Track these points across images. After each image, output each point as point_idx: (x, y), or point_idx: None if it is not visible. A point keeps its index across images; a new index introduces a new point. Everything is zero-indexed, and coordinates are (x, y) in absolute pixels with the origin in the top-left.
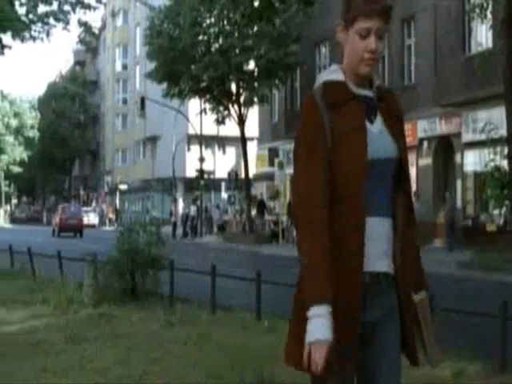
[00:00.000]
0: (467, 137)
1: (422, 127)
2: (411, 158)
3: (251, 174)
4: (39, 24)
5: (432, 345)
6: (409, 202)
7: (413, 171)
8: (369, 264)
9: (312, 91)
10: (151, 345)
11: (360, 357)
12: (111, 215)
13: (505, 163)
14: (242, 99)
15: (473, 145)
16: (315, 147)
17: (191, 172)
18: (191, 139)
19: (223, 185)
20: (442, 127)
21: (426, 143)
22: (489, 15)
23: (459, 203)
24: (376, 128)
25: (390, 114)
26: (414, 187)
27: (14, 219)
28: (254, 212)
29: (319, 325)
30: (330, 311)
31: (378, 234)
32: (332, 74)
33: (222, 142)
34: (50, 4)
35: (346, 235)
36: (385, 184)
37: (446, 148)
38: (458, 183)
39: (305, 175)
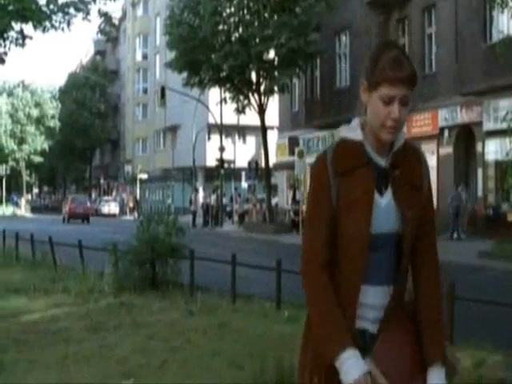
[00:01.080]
0: (488, 125)
1: (442, 116)
2: (432, 146)
3: (271, 164)
4: (60, 14)
5: None
6: (411, 270)
7: (433, 160)
8: (358, 322)
9: (325, 150)
10: (171, 333)
11: None
12: (131, 204)
13: None
14: (262, 88)
15: (494, 134)
16: (319, 210)
17: (211, 161)
18: (211, 128)
19: (243, 174)
20: (462, 116)
21: (446, 132)
22: (510, 3)
23: (480, 193)
24: (385, 200)
25: (404, 183)
26: (435, 176)
27: (34, 208)
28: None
29: (351, 365)
30: (356, 351)
31: (372, 302)
32: (351, 131)
33: (242, 131)
34: None
35: (341, 297)
36: (387, 256)
37: (466, 137)
38: (479, 172)
39: (307, 237)
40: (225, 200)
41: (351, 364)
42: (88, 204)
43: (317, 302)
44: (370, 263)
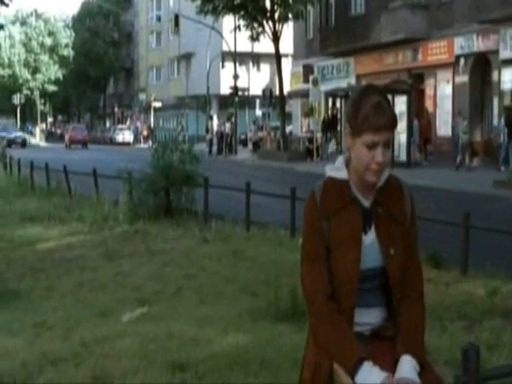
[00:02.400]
0: (505, 54)
1: (458, 44)
2: (447, 75)
3: (285, 91)
4: None
5: None
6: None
7: (449, 89)
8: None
9: (313, 188)
10: (186, 261)
11: None
12: (146, 133)
13: None
14: (276, 15)
15: (510, 62)
16: (316, 247)
17: (225, 89)
18: (225, 56)
19: (257, 102)
20: (479, 44)
21: (462, 60)
22: None
23: (495, 121)
24: (368, 239)
25: (387, 219)
26: (450, 104)
27: (48, 137)
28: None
29: (371, 376)
30: (371, 363)
31: (366, 321)
32: (336, 170)
33: (256, 58)
34: None
35: None
36: (376, 284)
37: (482, 65)
38: (495, 101)
39: (308, 273)
40: (240, 129)
41: (371, 375)
42: (86, 132)
43: (328, 323)
44: (360, 292)
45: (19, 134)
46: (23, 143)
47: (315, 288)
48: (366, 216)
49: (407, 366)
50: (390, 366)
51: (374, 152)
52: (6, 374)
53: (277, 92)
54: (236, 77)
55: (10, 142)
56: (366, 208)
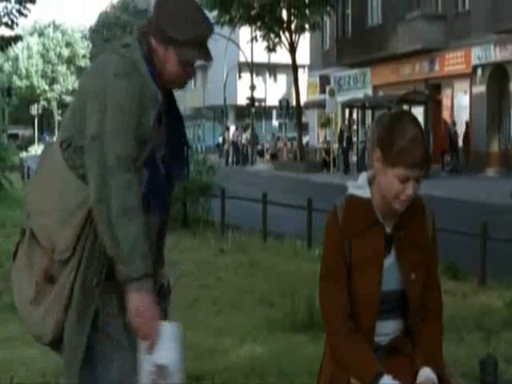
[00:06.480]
0: None
1: (476, 54)
2: (465, 85)
3: (302, 102)
4: None
5: None
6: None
7: (466, 99)
8: None
9: (335, 205)
10: (202, 271)
11: None
12: None
13: None
14: (293, 26)
15: None
16: (336, 267)
17: (242, 100)
18: (242, 67)
19: (274, 113)
20: (496, 54)
21: (479, 70)
22: None
23: None
24: (388, 262)
25: (408, 243)
26: (467, 116)
27: None
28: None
29: None
30: (390, 377)
31: (383, 331)
32: (359, 189)
33: (272, 69)
34: None
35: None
36: (393, 309)
37: (500, 75)
38: None
39: (327, 291)
40: (259, 139)
41: None
42: None
43: (346, 341)
44: (378, 313)
45: None
46: None
47: (334, 307)
48: (388, 239)
49: (427, 372)
50: (409, 382)
51: (406, 185)
52: (27, 382)
53: (293, 103)
54: (253, 87)
55: None
56: (388, 232)
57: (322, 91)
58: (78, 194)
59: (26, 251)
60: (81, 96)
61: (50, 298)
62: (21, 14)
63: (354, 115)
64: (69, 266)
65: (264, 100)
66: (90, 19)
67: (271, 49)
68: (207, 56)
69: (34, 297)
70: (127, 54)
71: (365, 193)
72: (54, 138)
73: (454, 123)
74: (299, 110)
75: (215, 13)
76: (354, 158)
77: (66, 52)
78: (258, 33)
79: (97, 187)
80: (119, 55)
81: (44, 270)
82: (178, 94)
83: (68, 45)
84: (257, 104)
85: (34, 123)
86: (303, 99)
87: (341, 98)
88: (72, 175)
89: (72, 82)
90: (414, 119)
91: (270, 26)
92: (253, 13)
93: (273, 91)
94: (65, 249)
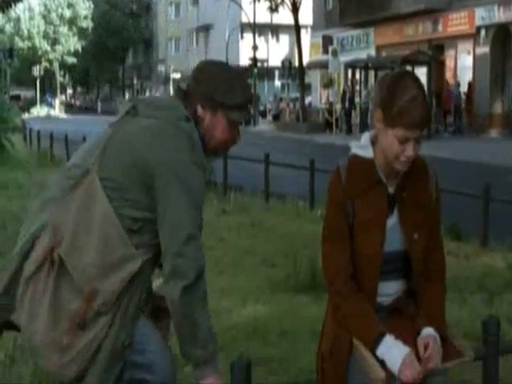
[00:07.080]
0: None
1: (479, 15)
2: (468, 46)
3: (305, 62)
4: None
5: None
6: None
7: (469, 60)
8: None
9: (338, 165)
10: (205, 232)
11: None
12: None
13: None
14: None
15: None
16: (339, 227)
17: (244, 60)
18: (244, 27)
19: (277, 73)
20: (500, 15)
21: (483, 31)
22: None
23: None
24: (391, 222)
25: (411, 204)
26: (470, 77)
27: (68, 109)
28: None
29: (394, 350)
30: (393, 337)
31: (385, 292)
32: (362, 149)
33: (275, 30)
34: None
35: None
36: (397, 269)
37: (503, 36)
38: None
39: (329, 252)
40: (261, 100)
41: (393, 348)
42: None
43: (348, 302)
44: (381, 273)
45: None
46: None
47: (336, 268)
48: (390, 200)
49: (430, 331)
50: (411, 343)
51: (406, 146)
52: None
53: (296, 63)
54: (255, 48)
55: None
56: (391, 192)
57: (325, 51)
58: (124, 249)
59: (55, 280)
60: (137, 157)
61: (78, 347)
62: None
63: (357, 76)
64: (103, 320)
65: (266, 60)
66: None
67: (274, 9)
68: (247, 114)
69: (67, 344)
70: (190, 130)
71: (367, 153)
72: (56, 100)
73: (457, 84)
74: (302, 70)
75: None
76: (356, 119)
77: (67, 13)
78: None
79: (194, 282)
80: (184, 132)
81: (81, 316)
82: (179, 54)
83: (70, 6)
84: (259, 64)
85: (35, 84)
86: (306, 60)
87: (343, 58)
88: (119, 225)
89: (74, 43)
90: (416, 80)
91: None
92: None
93: (275, 52)
94: (109, 301)
